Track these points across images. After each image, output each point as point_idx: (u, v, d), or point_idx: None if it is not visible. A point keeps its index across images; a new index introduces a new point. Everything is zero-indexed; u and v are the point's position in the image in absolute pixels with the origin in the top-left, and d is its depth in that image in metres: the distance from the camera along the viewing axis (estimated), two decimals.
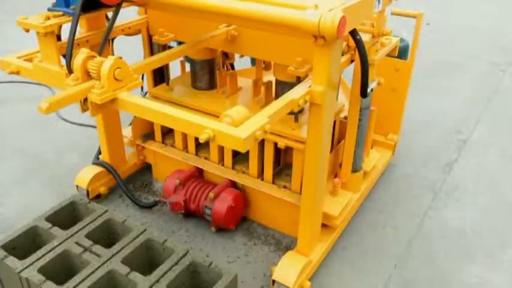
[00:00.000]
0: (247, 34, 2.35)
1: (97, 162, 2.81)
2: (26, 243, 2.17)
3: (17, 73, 2.05)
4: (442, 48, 3.57)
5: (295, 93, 1.78)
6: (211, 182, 2.64)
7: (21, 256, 2.02)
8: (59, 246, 2.08)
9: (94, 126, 3.31)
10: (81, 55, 1.76)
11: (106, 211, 2.29)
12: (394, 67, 2.86)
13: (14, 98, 4.08)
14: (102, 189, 2.79)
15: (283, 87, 2.43)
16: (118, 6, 1.92)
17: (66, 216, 2.34)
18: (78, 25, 1.90)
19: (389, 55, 2.48)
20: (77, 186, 2.78)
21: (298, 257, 2.21)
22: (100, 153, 2.87)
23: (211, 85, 2.76)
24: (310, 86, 1.83)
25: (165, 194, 2.62)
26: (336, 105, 2.31)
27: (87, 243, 2.10)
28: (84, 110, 1.77)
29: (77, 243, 2.10)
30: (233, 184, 2.57)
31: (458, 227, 2.68)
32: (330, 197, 2.39)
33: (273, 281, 2.17)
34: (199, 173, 2.69)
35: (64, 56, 1.87)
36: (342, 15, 1.60)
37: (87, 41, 2.26)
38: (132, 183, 2.97)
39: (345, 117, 2.45)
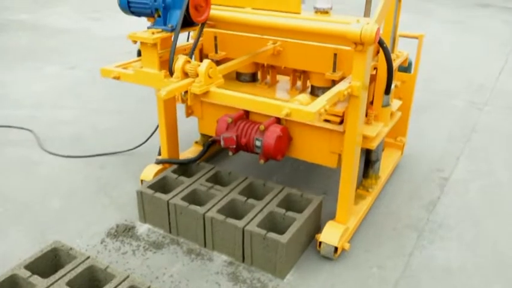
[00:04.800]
0: (290, 49, 2.95)
1: (159, 161, 3.33)
2: None
3: (118, 78, 2.61)
4: (419, 87, 3.64)
5: (341, 86, 2.38)
6: (258, 121, 3.00)
7: None
8: None
9: (79, 156, 3.80)
10: (181, 60, 2.34)
11: (88, 257, 2.32)
12: (401, 79, 3.49)
13: None
14: None
15: (317, 91, 3.02)
16: (203, 24, 2.54)
17: (47, 263, 2.35)
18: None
19: (400, 66, 3.13)
20: (142, 180, 3.29)
21: (338, 225, 2.75)
22: (160, 154, 3.40)
23: (253, 78, 3.30)
24: (350, 82, 2.43)
25: (218, 133, 2.99)
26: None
27: None
28: (183, 100, 2.34)
29: None
30: (278, 121, 2.98)
31: (444, 266, 2.69)
32: (366, 126, 2.78)
33: (320, 243, 2.70)
34: (246, 115, 3.09)
35: None
36: (377, 26, 2.23)
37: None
38: (115, 229, 2.96)
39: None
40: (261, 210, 2.70)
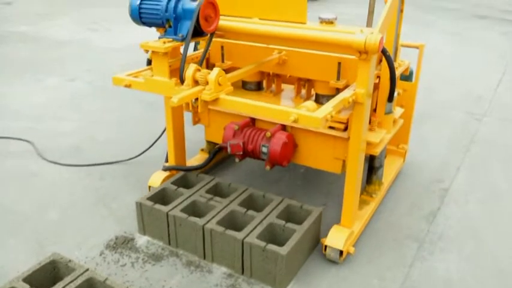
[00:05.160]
0: (294, 58, 3.04)
1: (166, 167, 3.40)
2: None
3: (129, 86, 2.69)
4: (418, 97, 3.62)
5: (346, 94, 2.46)
6: (264, 128, 3.07)
7: None
8: None
9: (79, 165, 3.84)
10: (191, 68, 2.43)
11: (87, 270, 2.33)
12: (403, 88, 3.57)
13: None
14: None
15: (322, 99, 3.11)
16: (212, 34, 2.63)
17: (45, 276, 2.35)
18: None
19: (402, 75, 3.22)
20: (149, 186, 3.35)
21: (343, 228, 2.81)
22: (167, 161, 3.47)
23: (259, 87, 3.38)
24: (354, 90, 2.51)
25: (225, 140, 3.06)
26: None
27: None
28: (193, 107, 2.42)
29: None
30: (284, 128, 3.05)
31: (444, 277, 2.71)
32: (370, 132, 2.87)
33: (325, 247, 2.76)
34: (252, 123, 3.16)
35: None
36: (381, 36, 2.32)
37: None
38: (114, 241, 2.96)
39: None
40: (261, 221, 2.72)
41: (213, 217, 2.74)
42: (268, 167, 3.01)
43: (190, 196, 2.96)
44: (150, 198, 2.94)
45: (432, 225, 3.17)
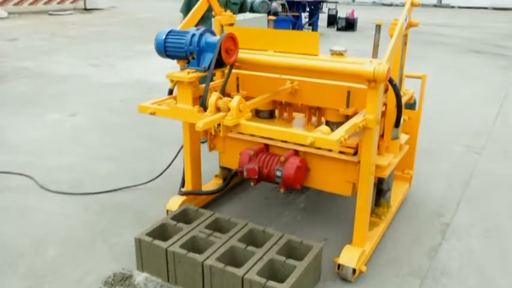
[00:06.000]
0: (306, 88, 3.25)
1: (183, 192, 3.56)
2: None
3: (154, 114, 2.89)
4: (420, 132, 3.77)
5: (357, 119, 2.66)
6: (278, 154, 3.20)
7: None
8: None
9: (75, 194, 3.93)
10: (214, 96, 2.63)
11: None
12: (407, 115, 3.77)
13: None
14: None
15: (332, 126, 3.30)
16: (232, 65, 2.85)
17: None
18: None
19: (406, 103, 3.43)
20: (167, 210, 3.50)
21: (355, 248, 2.96)
22: (183, 186, 3.64)
23: (271, 115, 3.57)
24: (364, 116, 2.71)
25: (241, 165, 3.22)
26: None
27: None
28: (210, 134, 2.60)
29: None
30: (297, 153, 3.20)
31: None
32: (378, 156, 3.03)
33: (338, 265, 2.90)
34: (266, 149, 3.33)
35: None
36: (388, 66, 2.53)
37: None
38: (112, 277, 2.93)
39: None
40: (261, 257, 2.69)
41: (213, 253, 2.71)
42: (282, 190, 3.17)
43: (189, 231, 2.94)
44: (149, 234, 2.91)
45: (434, 261, 3.15)
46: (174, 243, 2.80)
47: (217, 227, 3.07)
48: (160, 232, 3.00)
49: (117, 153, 4.93)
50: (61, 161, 4.68)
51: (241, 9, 4.75)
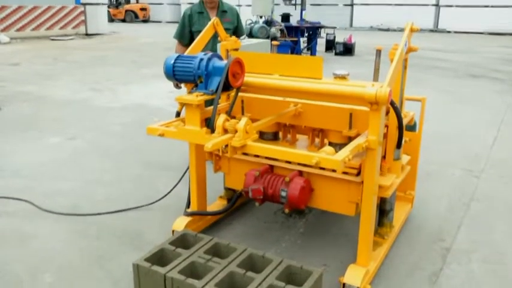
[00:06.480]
0: (310, 110, 3.35)
1: (189, 213, 3.61)
2: None
3: (162, 135, 2.98)
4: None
5: (360, 140, 2.75)
6: (282, 174, 3.27)
7: None
8: None
9: (76, 215, 3.97)
10: (221, 118, 2.72)
11: None
12: (408, 138, 3.86)
13: None
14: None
15: (335, 147, 3.38)
16: (238, 88, 2.95)
17: None
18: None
19: (407, 125, 3.52)
20: (173, 231, 3.55)
21: (359, 267, 3.00)
22: (188, 207, 3.70)
23: (275, 137, 3.66)
24: (367, 137, 2.80)
25: (246, 185, 3.26)
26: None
27: None
28: (223, 153, 2.68)
29: None
30: (301, 174, 3.24)
31: None
32: (381, 177, 3.07)
33: (343, 284, 2.94)
34: (270, 169, 3.36)
35: None
36: (389, 89, 2.63)
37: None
38: None
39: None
40: (260, 283, 2.66)
41: (212, 279, 2.68)
42: (287, 210, 3.23)
43: (188, 257, 2.90)
44: (147, 259, 2.87)
45: (435, 287, 3.15)
46: (172, 268, 2.76)
47: (216, 252, 3.03)
48: (159, 257, 2.96)
49: (116, 177, 4.93)
50: (60, 186, 4.67)
51: (236, 34, 4.85)
